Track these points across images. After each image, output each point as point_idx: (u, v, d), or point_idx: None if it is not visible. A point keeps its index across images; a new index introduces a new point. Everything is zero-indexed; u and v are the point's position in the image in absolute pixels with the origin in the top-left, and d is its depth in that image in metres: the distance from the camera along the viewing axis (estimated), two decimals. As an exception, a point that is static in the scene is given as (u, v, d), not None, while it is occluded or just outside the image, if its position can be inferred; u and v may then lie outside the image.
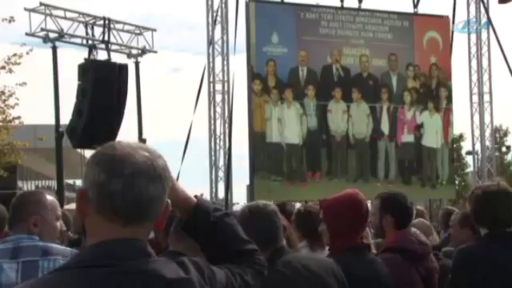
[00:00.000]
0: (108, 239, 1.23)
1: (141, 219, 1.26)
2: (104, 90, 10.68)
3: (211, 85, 14.24)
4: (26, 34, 10.98)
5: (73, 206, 11.16)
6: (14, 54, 11.83)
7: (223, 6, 14.23)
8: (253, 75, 13.11)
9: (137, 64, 12.26)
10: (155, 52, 12.62)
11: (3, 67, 11.85)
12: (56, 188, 11.34)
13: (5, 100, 12.16)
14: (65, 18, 11.32)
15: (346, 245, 2.67)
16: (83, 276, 1.18)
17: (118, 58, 11.83)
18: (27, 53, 11.92)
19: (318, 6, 14.24)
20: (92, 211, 1.24)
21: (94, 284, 1.18)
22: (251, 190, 13.51)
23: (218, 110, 14.27)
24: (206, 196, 24.58)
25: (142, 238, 1.27)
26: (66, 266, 1.23)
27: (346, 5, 14.24)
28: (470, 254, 2.77)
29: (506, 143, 29.47)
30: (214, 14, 14.19)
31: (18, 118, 12.53)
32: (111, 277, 1.19)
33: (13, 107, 12.29)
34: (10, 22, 11.44)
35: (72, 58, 13.63)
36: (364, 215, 2.71)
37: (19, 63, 11.77)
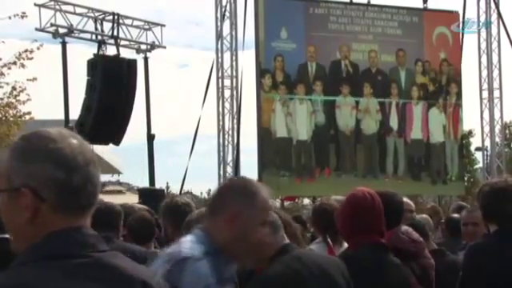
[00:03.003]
0: (64, 228, 1.17)
1: (93, 207, 1.24)
2: (113, 85, 10.72)
3: (220, 80, 14.24)
4: (36, 29, 11.03)
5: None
6: (25, 50, 11.87)
7: (232, 1, 14.22)
8: (261, 71, 13.11)
9: (146, 59, 12.29)
10: (164, 47, 12.64)
11: (14, 63, 11.89)
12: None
13: (16, 95, 12.21)
14: (74, 13, 11.36)
15: (360, 243, 2.66)
16: (55, 269, 1.13)
17: (126, 54, 11.87)
18: (38, 48, 11.96)
19: (327, 1, 14.21)
20: (46, 210, 1.17)
21: (69, 277, 1.13)
22: (259, 186, 13.51)
23: (227, 105, 14.27)
24: (215, 191, 24.60)
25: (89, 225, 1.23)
26: (27, 259, 1.15)
27: (355, 0, 14.19)
28: (479, 250, 2.76)
29: (516, 139, 29.27)
30: (223, 9, 14.17)
31: (29, 113, 12.58)
32: (86, 269, 1.15)
33: (24, 103, 12.34)
34: (22, 17, 11.48)
35: (81, 53, 13.67)
36: (365, 212, 2.69)
37: (31, 58, 11.83)
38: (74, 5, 11.37)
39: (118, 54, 11.43)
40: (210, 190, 34.15)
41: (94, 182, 1.21)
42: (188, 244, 1.87)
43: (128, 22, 12.05)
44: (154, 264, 1.87)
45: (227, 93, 14.28)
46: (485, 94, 15.88)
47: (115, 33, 11.47)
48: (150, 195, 9.72)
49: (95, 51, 11.29)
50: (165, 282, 1.74)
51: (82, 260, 1.16)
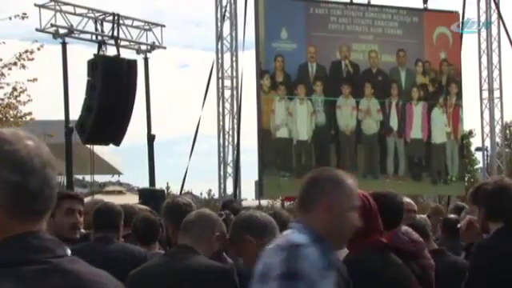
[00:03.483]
0: (20, 233, 1.12)
1: (50, 211, 1.20)
2: (113, 85, 10.72)
3: (220, 81, 14.26)
4: (36, 29, 11.03)
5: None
6: (26, 51, 11.87)
7: (232, 1, 14.23)
8: (261, 72, 13.11)
9: (146, 60, 12.28)
10: (164, 48, 12.63)
11: (15, 63, 11.89)
12: (65, 184, 11.40)
13: (16, 96, 12.20)
14: (74, 13, 11.36)
15: (361, 244, 2.66)
16: (11, 276, 1.08)
17: (127, 54, 11.86)
18: (38, 49, 11.96)
19: (327, 2, 14.22)
20: (0, 215, 1.12)
21: (26, 284, 1.08)
22: (260, 186, 13.53)
23: (227, 105, 14.29)
24: (215, 192, 24.57)
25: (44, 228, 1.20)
26: None
27: (355, 0, 14.20)
28: (489, 248, 2.73)
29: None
30: (223, 10, 14.19)
31: (29, 114, 12.58)
32: (43, 276, 1.11)
33: (24, 103, 12.34)
34: (22, 18, 11.47)
35: (81, 53, 13.66)
36: (364, 214, 2.68)
37: (32, 59, 11.82)
38: (74, 5, 11.37)
39: (118, 54, 11.42)
40: (210, 191, 34.10)
41: (51, 185, 1.16)
42: (293, 235, 1.91)
43: (128, 22, 12.05)
44: (266, 257, 1.87)
45: (227, 93, 14.30)
46: (485, 94, 15.88)
47: (115, 33, 11.47)
48: (151, 196, 9.73)
49: (95, 51, 11.28)
50: (284, 268, 1.78)
51: (40, 266, 1.11)
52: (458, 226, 4.03)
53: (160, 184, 19.35)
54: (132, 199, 12.42)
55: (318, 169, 2.20)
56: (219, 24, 14.24)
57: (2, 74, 12.08)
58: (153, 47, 12.37)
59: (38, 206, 1.15)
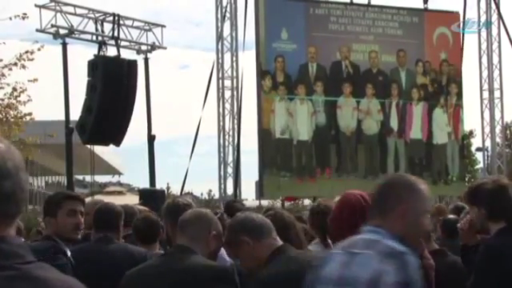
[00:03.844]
0: None
1: (20, 215, 1.17)
2: (113, 86, 10.72)
3: (220, 81, 14.26)
4: (37, 30, 11.04)
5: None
6: (26, 51, 11.88)
7: (232, 1, 14.23)
8: (261, 72, 13.12)
9: (146, 60, 12.28)
10: (164, 48, 12.63)
11: (15, 63, 11.90)
12: (66, 184, 11.40)
13: (17, 96, 12.22)
14: (75, 14, 11.36)
15: None
16: None
17: (127, 54, 11.87)
18: (38, 49, 11.97)
19: (327, 2, 14.23)
20: None
21: None
22: (260, 187, 13.53)
23: (227, 106, 14.29)
24: (215, 192, 24.57)
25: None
26: None
27: (355, 0, 14.20)
28: (494, 249, 2.71)
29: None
30: (223, 10, 14.19)
31: (30, 114, 12.59)
32: (13, 282, 1.08)
33: (25, 104, 12.36)
34: (23, 18, 11.48)
35: (82, 54, 13.68)
36: (363, 215, 2.69)
37: (32, 59, 11.83)
38: (75, 6, 11.37)
39: (119, 54, 11.42)
40: (210, 191, 34.08)
41: (24, 189, 1.15)
42: (387, 241, 1.91)
43: (128, 22, 12.05)
44: (367, 263, 1.86)
45: (228, 93, 14.30)
46: (485, 95, 15.89)
47: (116, 33, 11.47)
48: (151, 196, 9.74)
49: (96, 52, 11.29)
50: (400, 276, 1.80)
51: (8, 272, 1.08)
52: (459, 225, 4.02)
53: (160, 184, 19.37)
54: (132, 199, 12.42)
55: (392, 174, 2.29)
56: (219, 24, 14.24)
57: (3, 75, 12.10)
58: (153, 47, 12.37)
59: (9, 209, 1.13)
